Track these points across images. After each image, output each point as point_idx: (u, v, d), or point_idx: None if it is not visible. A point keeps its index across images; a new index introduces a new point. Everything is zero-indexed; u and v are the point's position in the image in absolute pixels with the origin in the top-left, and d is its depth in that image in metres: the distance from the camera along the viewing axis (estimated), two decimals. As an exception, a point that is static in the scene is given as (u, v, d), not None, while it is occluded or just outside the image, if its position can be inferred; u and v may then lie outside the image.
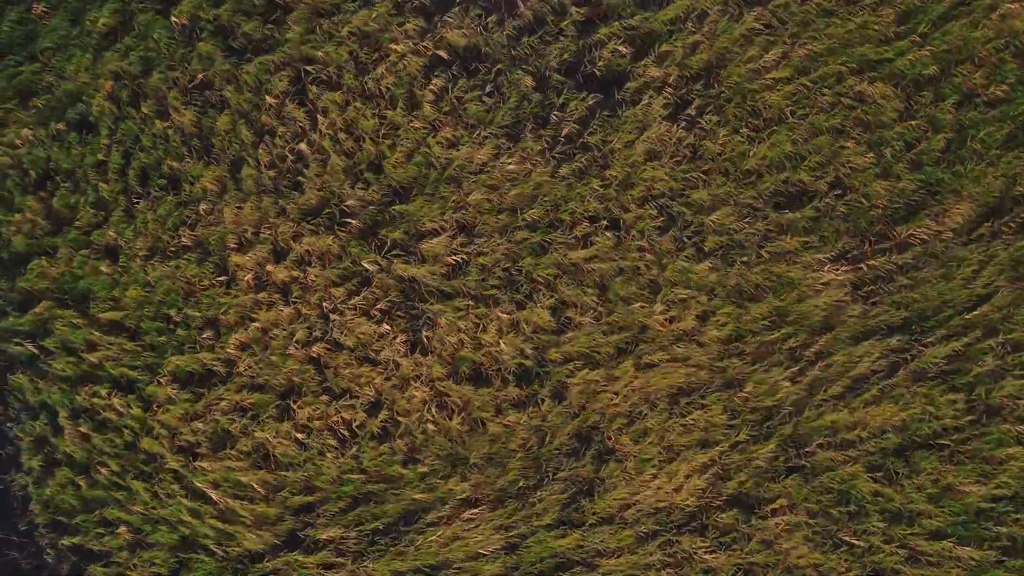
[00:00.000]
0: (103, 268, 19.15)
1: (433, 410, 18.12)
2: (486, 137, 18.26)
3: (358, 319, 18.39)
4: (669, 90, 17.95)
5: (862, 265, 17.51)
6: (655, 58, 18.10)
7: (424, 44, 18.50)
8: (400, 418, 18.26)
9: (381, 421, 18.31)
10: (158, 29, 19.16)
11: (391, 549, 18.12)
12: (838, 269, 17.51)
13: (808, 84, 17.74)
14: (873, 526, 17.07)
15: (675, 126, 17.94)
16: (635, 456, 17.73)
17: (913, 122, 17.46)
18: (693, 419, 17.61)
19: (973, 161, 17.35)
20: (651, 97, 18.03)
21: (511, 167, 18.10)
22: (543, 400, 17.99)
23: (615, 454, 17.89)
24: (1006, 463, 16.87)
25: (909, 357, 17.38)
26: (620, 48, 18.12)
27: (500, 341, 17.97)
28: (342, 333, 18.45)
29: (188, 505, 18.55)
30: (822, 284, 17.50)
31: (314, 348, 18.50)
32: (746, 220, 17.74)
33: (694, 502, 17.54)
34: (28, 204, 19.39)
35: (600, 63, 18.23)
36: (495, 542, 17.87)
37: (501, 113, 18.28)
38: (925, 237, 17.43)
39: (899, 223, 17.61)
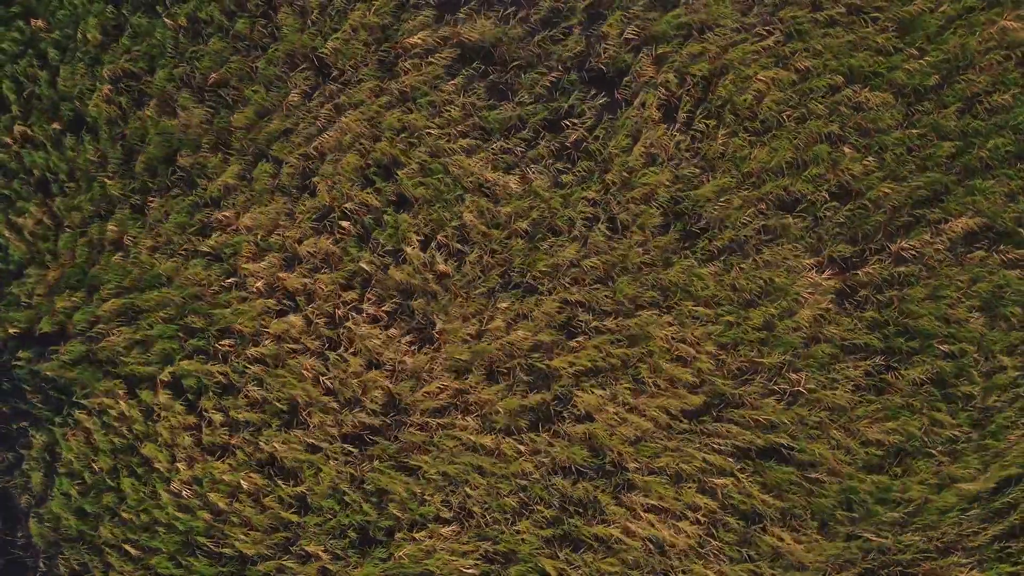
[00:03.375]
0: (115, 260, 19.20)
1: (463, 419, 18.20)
2: (504, 151, 18.40)
3: (367, 325, 18.49)
4: (666, 92, 18.13)
5: (858, 272, 17.63)
6: (655, 59, 18.20)
7: (440, 36, 18.68)
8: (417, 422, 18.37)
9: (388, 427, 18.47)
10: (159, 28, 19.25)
11: (373, 554, 18.26)
12: (827, 276, 17.65)
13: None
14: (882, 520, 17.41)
15: (674, 130, 18.12)
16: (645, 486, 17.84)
17: (915, 131, 17.65)
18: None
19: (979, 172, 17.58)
20: (648, 98, 18.14)
21: (513, 183, 18.25)
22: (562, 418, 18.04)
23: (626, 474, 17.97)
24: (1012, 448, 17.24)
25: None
26: (631, 35, 18.17)
27: (513, 330, 18.01)
28: (348, 341, 18.58)
29: (182, 503, 18.65)
30: (809, 293, 17.61)
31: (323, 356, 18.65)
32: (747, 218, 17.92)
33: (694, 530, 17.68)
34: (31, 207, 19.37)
35: (605, 56, 18.30)
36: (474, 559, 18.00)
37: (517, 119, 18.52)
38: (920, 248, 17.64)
39: (898, 234, 17.79)
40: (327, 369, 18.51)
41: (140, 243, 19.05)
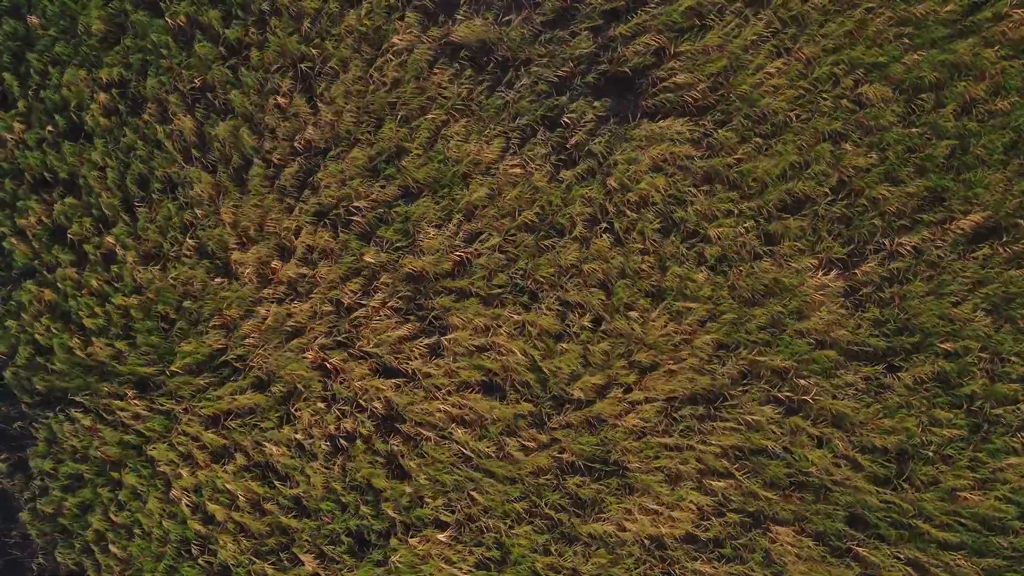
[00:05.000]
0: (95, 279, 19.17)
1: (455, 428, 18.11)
2: (496, 136, 18.19)
3: (375, 321, 18.38)
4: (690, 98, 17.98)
5: (856, 271, 17.49)
6: (677, 61, 17.97)
7: (430, 35, 18.49)
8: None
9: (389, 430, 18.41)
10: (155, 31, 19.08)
11: (370, 556, 18.25)
12: (834, 277, 17.51)
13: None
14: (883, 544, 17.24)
15: (691, 145, 17.96)
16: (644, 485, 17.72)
17: (915, 129, 17.50)
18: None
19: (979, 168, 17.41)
20: (672, 113, 18.03)
21: (513, 169, 18.07)
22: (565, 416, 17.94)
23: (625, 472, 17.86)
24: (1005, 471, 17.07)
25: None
26: (650, 41, 17.97)
27: (512, 345, 17.92)
28: (358, 336, 18.48)
29: (171, 510, 18.72)
30: (819, 295, 17.46)
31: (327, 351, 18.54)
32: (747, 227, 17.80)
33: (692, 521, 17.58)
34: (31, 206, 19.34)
35: (631, 61, 18.11)
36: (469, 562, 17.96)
37: (514, 109, 18.28)
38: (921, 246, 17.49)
39: (900, 232, 17.63)
40: (334, 362, 18.48)
41: (128, 251, 19.05)
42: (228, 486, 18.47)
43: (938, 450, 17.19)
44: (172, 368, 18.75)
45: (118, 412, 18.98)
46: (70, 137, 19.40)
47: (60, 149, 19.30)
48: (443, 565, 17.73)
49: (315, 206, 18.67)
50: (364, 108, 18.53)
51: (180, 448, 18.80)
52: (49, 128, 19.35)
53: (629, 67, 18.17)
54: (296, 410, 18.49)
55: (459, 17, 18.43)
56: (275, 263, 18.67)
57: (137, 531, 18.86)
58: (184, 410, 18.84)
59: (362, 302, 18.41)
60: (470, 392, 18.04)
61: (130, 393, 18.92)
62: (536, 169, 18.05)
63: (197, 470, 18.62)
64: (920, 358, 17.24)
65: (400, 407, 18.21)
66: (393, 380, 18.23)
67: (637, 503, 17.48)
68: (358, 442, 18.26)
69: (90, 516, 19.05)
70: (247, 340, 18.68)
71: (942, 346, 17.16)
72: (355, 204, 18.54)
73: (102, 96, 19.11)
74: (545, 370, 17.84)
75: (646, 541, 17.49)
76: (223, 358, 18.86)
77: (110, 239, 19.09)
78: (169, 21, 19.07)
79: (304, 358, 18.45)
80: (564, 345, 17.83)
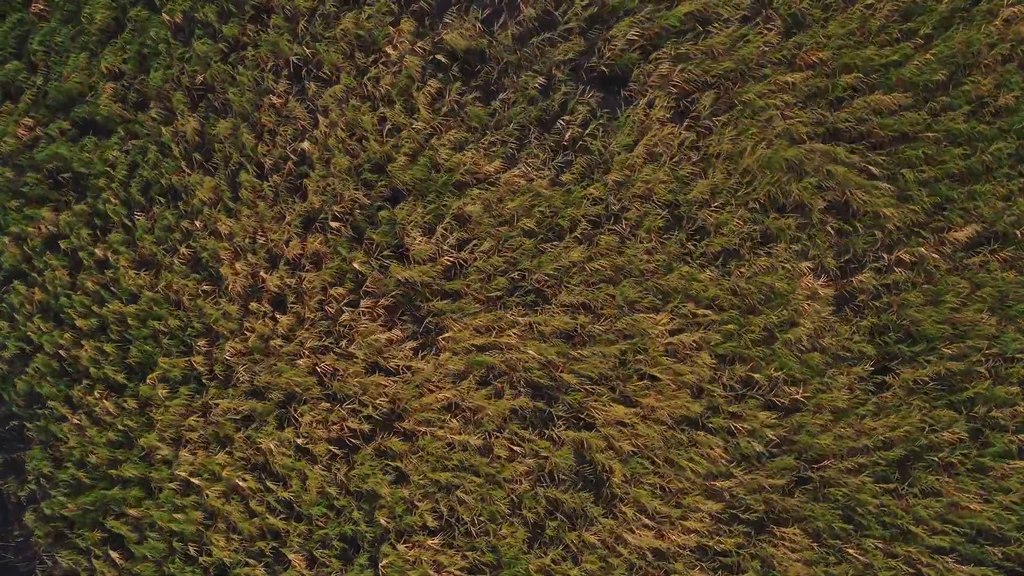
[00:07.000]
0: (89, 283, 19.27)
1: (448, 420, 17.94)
2: (492, 144, 18.10)
3: (366, 323, 18.27)
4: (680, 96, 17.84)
5: (851, 280, 17.22)
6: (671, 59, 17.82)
7: (422, 45, 18.44)
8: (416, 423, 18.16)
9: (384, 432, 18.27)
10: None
11: (357, 561, 18.08)
12: (823, 284, 17.25)
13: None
14: (875, 544, 16.87)
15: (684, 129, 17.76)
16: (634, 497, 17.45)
17: (931, 134, 17.19)
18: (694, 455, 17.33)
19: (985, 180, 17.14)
20: (660, 98, 17.83)
21: (516, 179, 17.95)
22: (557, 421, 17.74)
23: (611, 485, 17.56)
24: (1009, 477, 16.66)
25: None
26: (633, 37, 17.80)
27: (528, 348, 17.70)
28: (349, 338, 18.39)
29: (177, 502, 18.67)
30: (808, 303, 17.20)
31: (320, 356, 18.45)
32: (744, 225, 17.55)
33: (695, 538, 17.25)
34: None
35: (609, 57, 17.94)
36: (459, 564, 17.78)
37: (504, 117, 18.16)
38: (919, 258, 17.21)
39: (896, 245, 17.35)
40: (324, 365, 18.38)
41: (122, 256, 19.14)
42: (224, 473, 18.42)
43: (942, 458, 16.85)
44: (148, 379, 18.81)
45: (95, 409, 19.01)
46: (83, 131, 19.56)
47: (79, 144, 19.43)
48: (432, 573, 17.52)
49: (304, 211, 18.62)
50: (355, 122, 18.50)
51: (168, 434, 18.79)
52: (67, 124, 19.51)
53: (619, 66, 18.00)
54: (299, 414, 18.39)
55: (447, 21, 18.35)
56: (262, 274, 18.66)
57: (151, 533, 18.85)
58: (160, 407, 18.86)
59: (352, 307, 18.31)
60: (465, 383, 17.83)
61: (103, 392, 18.99)
62: (537, 176, 17.90)
63: (196, 456, 18.57)
64: (923, 360, 16.92)
65: (403, 402, 18.06)
66: (393, 378, 18.11)
67: (633, 516, 17.18)
68: (366, 448, 18.12)
69: (105, 520, 19.06)
70: (232, 354, 18.63)
71: (946, 351, 16.86)
72: (338, 207, 18.45)
73: (109, 86, 19.23)
74: (565, 378, 17.61)
75: (648, 552, 17.20)
76: (203, 374, 18.83)
77: (102, 247, 19.18)
78: (167, 18, 19.17)
79: (298, 365, 18.39)
80: (582, 351, 17.55)
